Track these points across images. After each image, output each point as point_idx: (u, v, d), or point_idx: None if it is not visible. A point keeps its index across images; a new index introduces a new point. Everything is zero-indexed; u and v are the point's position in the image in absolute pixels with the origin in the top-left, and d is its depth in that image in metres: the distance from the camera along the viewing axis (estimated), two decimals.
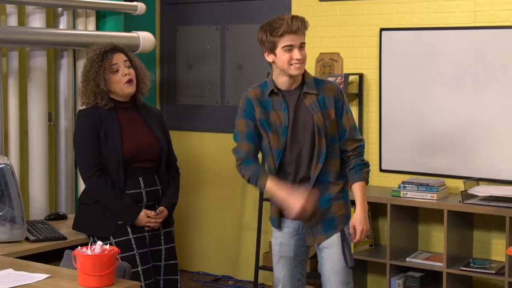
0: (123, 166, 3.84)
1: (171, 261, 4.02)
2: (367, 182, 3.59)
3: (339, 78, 5.13)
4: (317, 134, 3.49)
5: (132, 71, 3.94)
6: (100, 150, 3.84)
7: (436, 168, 5.08)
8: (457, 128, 5.00)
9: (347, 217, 3.63)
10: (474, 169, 4.94)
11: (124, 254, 3.61)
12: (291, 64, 3.44)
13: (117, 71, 3.89)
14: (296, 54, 3.43)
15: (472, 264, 4.72)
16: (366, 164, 3.60)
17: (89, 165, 3.84)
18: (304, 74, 3.54)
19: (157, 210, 3.92)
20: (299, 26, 3.43)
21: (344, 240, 3.57)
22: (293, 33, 3.42)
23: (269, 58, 3.50)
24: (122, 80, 3.89)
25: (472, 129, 4.95)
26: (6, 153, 4.61)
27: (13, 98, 4.67)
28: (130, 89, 3.92)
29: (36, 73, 4.75)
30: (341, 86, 5.02)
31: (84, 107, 3.96)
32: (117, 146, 3.84)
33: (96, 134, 3.85)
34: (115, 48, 3.96)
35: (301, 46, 3.46)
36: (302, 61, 3.45)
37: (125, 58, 3.94)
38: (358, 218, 3.56)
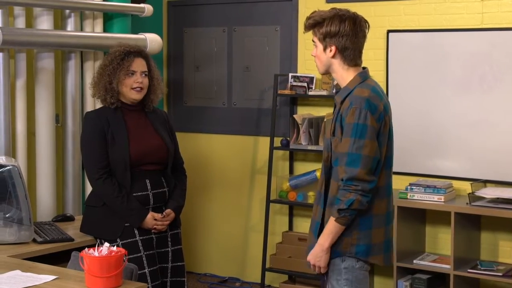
0: (130, 168, 3.84)
1: (178, 263, 4.02)
2: (339, 220, 3.05)
3: None
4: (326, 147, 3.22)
5: (146, 80, 3.93)
6: (107, 152, 3.84)
7: (443, 170, 5.07)
8: (465, 130, 4.99)
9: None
10: (482, 171, 4.94)
11: (131, 256, 3.61)
12: None
13: (132, 75, 3.89)
14: None
15: (479, 267, 4.72)
16: (340, 201, 3.05)
17: (96, 168, 3.84)
18: (353, 78, 3.14)
19: (164, 213, 3.92)
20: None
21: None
22: None
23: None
24: (132, 86, 3.89)
25: (479, 130, 4.94)
26: (13, 154, 4.62)
27: (20, 99, 4.67)
28: (137, 96, 3.91)
29: (43, 75, 4.76)
30: None
31: (92, 102, 3.95)
32: (124, 149, 3.83)
33: (103, 137, 3.85)
34: (139, 53, 3.94)
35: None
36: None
37: (145, 69, 3.93)
38: (311, 252, 3.18)
